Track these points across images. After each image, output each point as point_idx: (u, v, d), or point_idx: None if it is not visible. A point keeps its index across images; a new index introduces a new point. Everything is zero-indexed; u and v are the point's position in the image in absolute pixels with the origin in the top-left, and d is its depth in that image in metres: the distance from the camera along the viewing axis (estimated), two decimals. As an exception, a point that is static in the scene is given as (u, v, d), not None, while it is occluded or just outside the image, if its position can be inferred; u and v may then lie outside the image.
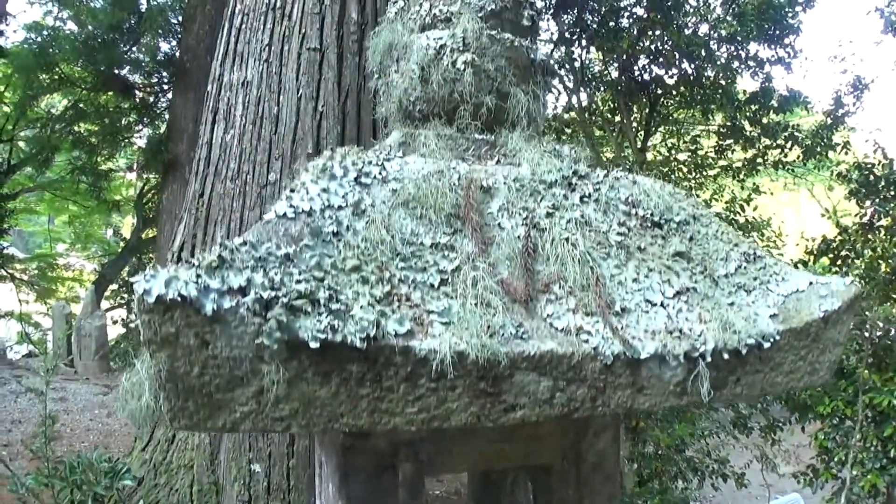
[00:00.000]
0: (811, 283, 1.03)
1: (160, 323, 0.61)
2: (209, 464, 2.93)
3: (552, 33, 8.11)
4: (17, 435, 4.00)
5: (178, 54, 7.13)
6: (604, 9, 7.39)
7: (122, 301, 9.34)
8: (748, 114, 8.03)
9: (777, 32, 6.74)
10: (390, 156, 0.96)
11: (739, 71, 7.67)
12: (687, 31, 7.26)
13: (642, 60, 8.02)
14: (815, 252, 5.37)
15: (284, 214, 0.78)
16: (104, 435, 3.98)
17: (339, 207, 0.82)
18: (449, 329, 0.73)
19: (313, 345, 0.64)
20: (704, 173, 8.59)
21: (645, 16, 7.27)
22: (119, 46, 6.55)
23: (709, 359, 0.86)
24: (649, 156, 9.00)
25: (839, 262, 5.19)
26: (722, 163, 8.69)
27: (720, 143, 8.52)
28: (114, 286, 9.06)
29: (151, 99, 7.68)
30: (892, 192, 4.57)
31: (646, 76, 7.95)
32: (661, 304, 0.92)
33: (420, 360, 0.69)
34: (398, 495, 1.00)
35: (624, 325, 0.86)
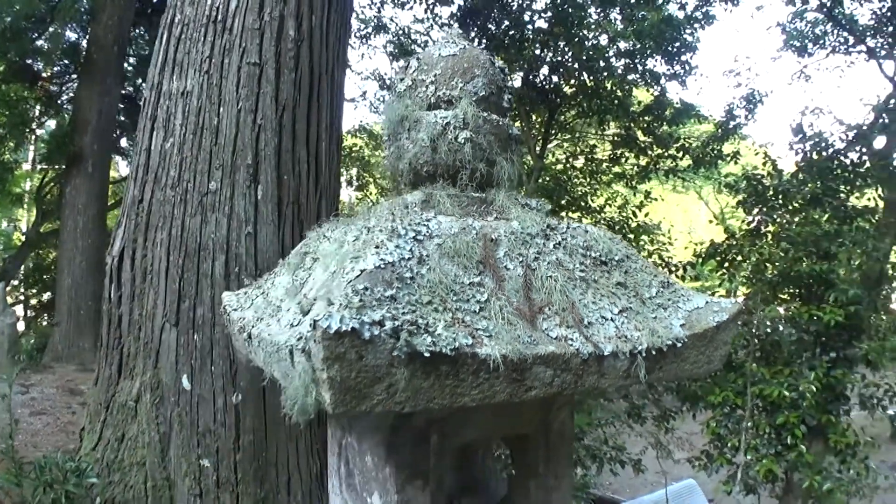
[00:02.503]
0: (707, 302, 1.61)
1: (335, 346, 1.03)
2: (160, 461, 3.18)
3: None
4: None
5: (84, 45, 7.00)
6: (507, 21, 8.08)
7: (21, 298, 9.02)
8: (643, 124, 9.03)
9: (674, 49, 7.74)
10: (429, 217, 1.41)
11: (636, 84, 8.68)
12: (588, 45, 8.10)
13: (544, 70, 8.83)
14: (703, 255, 6.25)
15: (379, 266, 1.21)
16: (31, 434, 4.04)
17: (409, 259, 1.27)
18: (492, 340, 1.21)
19: (426, 355, 1.09)
20: (599, 179, 9.55)
21: (548, 28, 8.06)
22: (30, 36, 6.37)
23: (644, 354, 1.40)
24: (547, 162, 9.86)
25: (726, 264, 6.10)
26: (616, 170, 9.69)
27: (615, 151, 9.48)
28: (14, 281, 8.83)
29: (56, 90, 7.50)
30: (780, 202, 5.55)
31: (546, 86, 8.77)
32: (611, 319, 1.45)
33: (482, 361, 1.16)
34: (430, 460, 1.45)
35: (591, 334, 1.37)
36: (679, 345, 1.46)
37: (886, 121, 6.51)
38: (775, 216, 5.78)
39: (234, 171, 3.52)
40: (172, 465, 3.22)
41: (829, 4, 7.82)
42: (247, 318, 1.71)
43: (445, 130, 1.61)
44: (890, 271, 5.65)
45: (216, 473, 3.34)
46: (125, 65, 7.10)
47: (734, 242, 6.05)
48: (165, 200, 3.43)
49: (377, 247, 1.27)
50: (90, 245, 7.34)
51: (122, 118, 7.77)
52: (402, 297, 1.17)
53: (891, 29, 7.34)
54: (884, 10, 7.34)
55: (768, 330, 5.60)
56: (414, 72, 1.70)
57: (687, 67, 7.89)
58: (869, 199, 6.01)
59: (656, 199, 9.02)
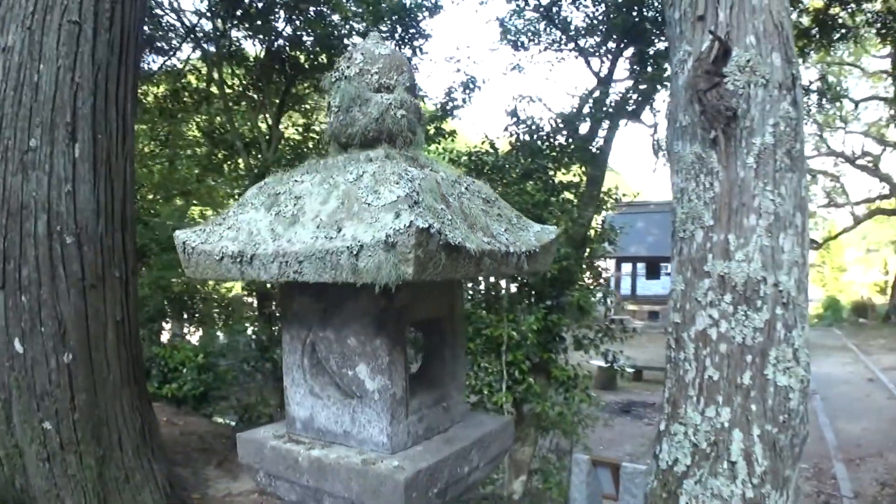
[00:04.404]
0: (542, 227, 2.68)
1: (420, 237, 1.76)
2: (7, 428, 3.19)
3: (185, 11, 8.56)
4: None
5: None
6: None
7: None
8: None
9: (408, 35, 8.91)
10: (406, 167, 2.16)
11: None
12: (327, 21, 8.82)
13: (283, 43, 9.30)
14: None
15: (406, 194, 1.94)
16: None
17: (413, 191, 2.02)
18: (466, 241, 2.05)
19: (453, 244, 1.89)
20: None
21: (292, 3, 8.57)
22: None
23: (524, 254, 2.39)
24: (287, 132, 10.36)
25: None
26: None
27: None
28: None
29: None
30: (497, 175, 7.04)
31: (285, 58, 9.27)
32: (503, 234, 2.40)
33: (468, 251, 2.00)
34: (403, 333, 2.22)
35: (499, 241, 2.31)
36: (536, 250, 2.50)
37: (591, 110, 8.60)
38: (494, 188, 7.30)
39: (54, 128, 3.51)
40: (18, 431, 3.21)
41: (545, 5, 9.81)
42: (231, 247, 2.22)
43: (389, 108, 2.35)
44: (592, 235, 7.58)
45: (59, 436, 3.39)
46: None
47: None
48: (-17, 157, 3.27)
49: (396, 182, 2.00)
50: None
51: None
52: (425, 212, 1.94)
53: (601, 31, 9.60)
54: (596, 14, 9.61)
55: (492, 282, 7.13)
56: (360, 63, 2.39)
57: (419, 52, 9.20)
58: (574, 175, 7.92)
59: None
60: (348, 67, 2.41)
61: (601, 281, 8.51)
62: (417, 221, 1.76)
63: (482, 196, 2.50)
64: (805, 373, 2.78)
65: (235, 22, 8.45)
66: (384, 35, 9.29)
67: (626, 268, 31.49)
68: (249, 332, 9.73)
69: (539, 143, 8.31)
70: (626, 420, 13.65)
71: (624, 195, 8.43)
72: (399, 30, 9.33)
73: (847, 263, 50.10)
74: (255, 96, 9.01)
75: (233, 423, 7.07)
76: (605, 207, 9.02)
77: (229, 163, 9.58)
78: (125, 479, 3.67)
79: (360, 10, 8.93)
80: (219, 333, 9.92)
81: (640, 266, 31.57)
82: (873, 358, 19.42)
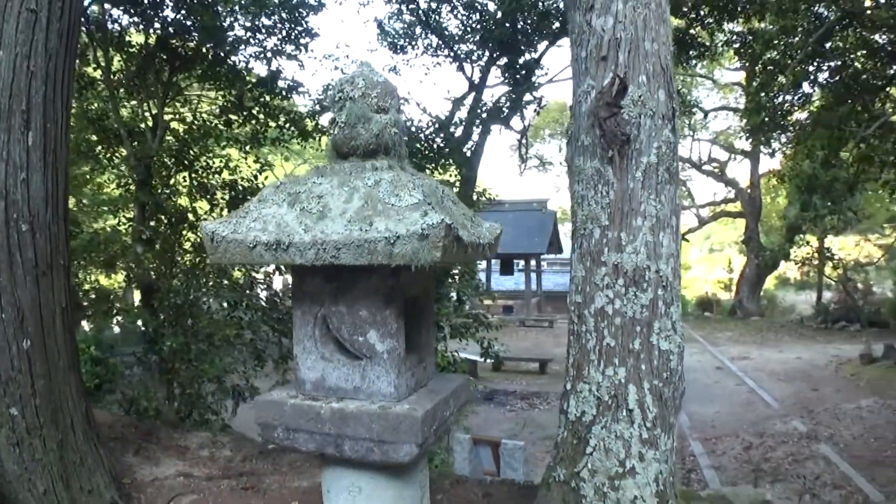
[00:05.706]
0: (490, 224, 3.42)
1: (448, 230, 2.42)
2: (-24, 414, 3.32)
3: None
4: None
5: None
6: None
7: None
8: (256, 95, 10.29)
9: (295, 33, 9.22)
10: (412, 176, 2.79)
11: (255, 56, 9.86)
12: (217, 13, 8.92)
13: (169, 31, 9.21)
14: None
15: (423, 197, 2.58)
16: None
17: (426, 194, 2.66)
18: (461, 232, 2.73)
19: (460, 236, 2.56)
20: (214, 142, 10.46)
21: (181, -8, 8.55)
22: None
23: (486, 245, 3.12)
24: (169, 119, 10.19)
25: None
26: (227, 134, 10.74)
27: (227, 117, 10.54)
28: None
29: None
30: None
31: (171, 48, 9.19)
32: (471, 228, 3.11)
33: (464, 241, 2.68)
34: (404, 305, 2.84)
35: (472, 233, 3.02)
36: (493, 242, 3.24)
37: (464, 114, 9.44)
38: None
39: (11, 115, 3.65)
40: (-12, 418, 3.35)
41: (423, 10, 10.50)
42: (263, 237, 2.71)
43: (386, 126, 2.96)
44: None
45: (24, 421, 3.57)
46: None
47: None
48: (-57, 145, 3.35)
49: (413, 189, 2.63)
50: None
51: None
52: (442, 212, 2.59)
53: (476, 39, 10.42)
54: (470, 23, 10.43)
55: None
56: (362, 87, 2.97)
57: (305, 50, 9.54)
58: (450, 175, 8.71)
59: (272, 167, 10.49)
60: (352, 90, 2.97)
61: (472, 275, 9.39)
62: (446, 219, 2.43)
63: (451, 199, 3.19)
64: (681, 340, 3.69)
65: (127, 8, 8.27)
66: (271, 30, 9.56)
67: (481, 264, 33.43)
68: (115, 325, 9.51)
69: (417, 144, 9.02)
70: (490, 407, 14.87)
71: (497, 196, 9.44)
72: (286, 26, 9.63)
73: (691, 262, 55.32)
74: (138, 83, 8.85)
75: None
76: (478, 206, 9.88)
77: (104, 149, 9.29)
78: (80, 463, 3.87)
79: (246, 3, 9.13)
80: (85, 325, 9.56)
81: (495, 263, 33.66)
82: (720, 349, 20.91)
